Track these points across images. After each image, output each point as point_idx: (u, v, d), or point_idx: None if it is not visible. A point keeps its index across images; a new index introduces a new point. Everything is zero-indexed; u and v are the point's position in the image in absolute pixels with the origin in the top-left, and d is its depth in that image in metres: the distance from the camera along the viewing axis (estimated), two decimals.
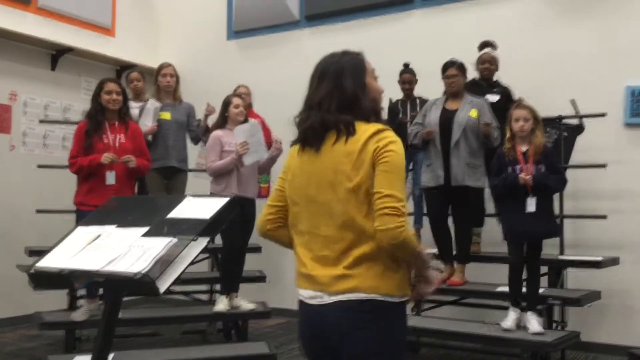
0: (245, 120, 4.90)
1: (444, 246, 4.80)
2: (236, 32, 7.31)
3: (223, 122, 4.88)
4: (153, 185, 5.20)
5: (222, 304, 4.85)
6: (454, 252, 4.84)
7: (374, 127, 1.90)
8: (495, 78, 5.12)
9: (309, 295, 1.93)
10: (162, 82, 5.40)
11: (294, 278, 2.02)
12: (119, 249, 1.90)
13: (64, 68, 6.64)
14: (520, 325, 4.19)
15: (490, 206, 4.94)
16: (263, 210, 2.12)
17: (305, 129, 1.96)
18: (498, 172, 4.25)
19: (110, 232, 2.05)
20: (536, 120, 4.18)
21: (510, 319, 4.20)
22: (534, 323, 4.10)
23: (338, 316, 1.85)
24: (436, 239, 4.81)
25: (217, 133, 4.83)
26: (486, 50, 5.07)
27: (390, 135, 1.89)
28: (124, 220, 2.09)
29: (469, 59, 5.02)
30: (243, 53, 7.25)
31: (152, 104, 5.30)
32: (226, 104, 4.90)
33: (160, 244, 1.87)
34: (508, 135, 4.24)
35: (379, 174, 1.84)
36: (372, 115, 1.95)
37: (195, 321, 5.44)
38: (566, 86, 5.23)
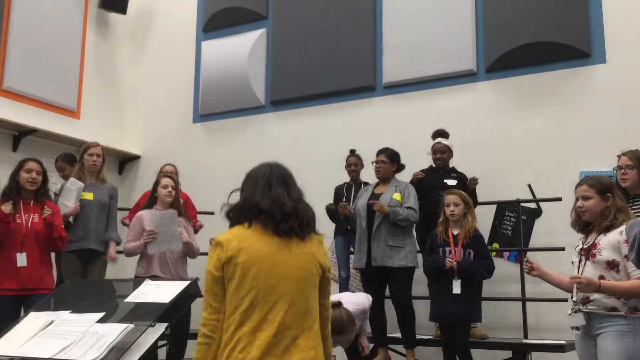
0: (175, 202, 4.81)
1: (376, 328, 4.82)
2: (202, 115, 7.40)
3: (152, 202, 4.81)
4: (70, 268, 4.91)
5: None
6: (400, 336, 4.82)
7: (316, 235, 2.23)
8: (452, 164, 5.24)
9: None
10: (88, 161, 5.15)
11: None
12: (72, 336, 1.83)
13: (26, 149, 6.54)
14: None
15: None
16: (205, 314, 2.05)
17: (289, 214, 2.13)
18: (430, 252, 4.44)
19: (63, 318, 1.98)
20: (467, 205, 4.36)
21: None
22: None
23: None
24: (370, 320, 4.78)
25: (141, 213, 4.77)
26: (438, 140, 5.19)
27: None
28: (78, 305, 2.03)
29: (427, 145, 5.17)
30: (209, 135, 7.31)
31: (74, 183, 5.01)
32: (155, 184, 4.86)
33: (115, 331, 1.81)
34: (441, 218, 4.39)
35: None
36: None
37: None
38: (523, 171, 5.39)
